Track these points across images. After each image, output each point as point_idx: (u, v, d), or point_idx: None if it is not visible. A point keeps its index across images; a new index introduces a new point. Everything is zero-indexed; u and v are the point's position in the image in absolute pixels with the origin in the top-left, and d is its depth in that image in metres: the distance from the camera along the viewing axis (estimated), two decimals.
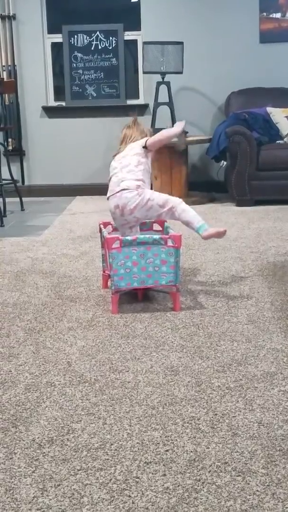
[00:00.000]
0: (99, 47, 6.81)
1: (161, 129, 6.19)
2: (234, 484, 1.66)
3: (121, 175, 3.29)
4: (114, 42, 6.78)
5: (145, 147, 3.35)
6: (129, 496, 1.62)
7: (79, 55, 6.82)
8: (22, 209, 5.99)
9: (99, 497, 1.62)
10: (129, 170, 3.29)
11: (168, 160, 5.98)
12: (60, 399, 2.16)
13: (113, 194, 3.29)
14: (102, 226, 3.43)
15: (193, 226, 3.24)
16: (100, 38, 6.79)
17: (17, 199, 6.00)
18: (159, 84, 6.23)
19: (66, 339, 2.71)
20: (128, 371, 2.38)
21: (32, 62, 6.76)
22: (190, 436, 1.90)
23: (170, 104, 6.24)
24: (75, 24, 6.80)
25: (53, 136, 6.85)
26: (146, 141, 3.37)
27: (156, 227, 3.50)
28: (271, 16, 6.52)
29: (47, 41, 6.82)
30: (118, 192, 3.25)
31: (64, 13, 6.88)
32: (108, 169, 3.45)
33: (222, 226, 4.91)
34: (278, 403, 2.09)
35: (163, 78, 6.22)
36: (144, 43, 6.23)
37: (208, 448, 1.83)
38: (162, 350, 2.56)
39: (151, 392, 2.20)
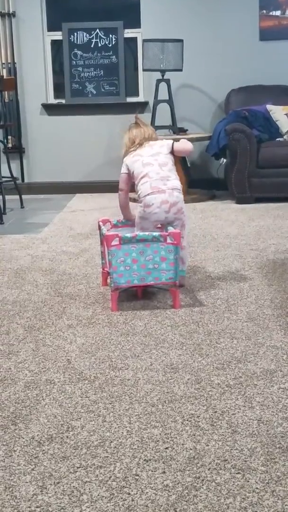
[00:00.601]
0: (99, 45, 6.79)
1: (161, 126, 6.21)
2: (233, 482, 1.66)
3: (164, 173, 3.22)
4: (114, 39, 6.77)
5: (171, 152, 3.33)
6: (129, 493, 1.62)
7: (79, 52, 6.81)
8: (22, 207, 5.99)
9: (98, 495, 1.62)
10: (170, 169, 3.26)
11: None
12: (60, 397, 2.16)
13: (161, 190, 3.18)
14: (101, 223, 3.42)
15: (182, 262, 3.25)
16: (100, 35, 6.78)
17: (17, 197, 5.99)
18: (159, 81, 6.22)
19: (66, 337, 2.71)
20: (127, 368, 2.37)
21: (32, 59, 6.75)
22: (189, 433, 1.90)
23: (170, 101, 6.24)
24: (75, 21, 6.79)
25: (53, 134, 6.84)
26: (173, 145, 3.34)
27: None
28: (271, 13, 6.51)
29: (47, 38, 6.81)
30: (169, 189, 3.19)
31: (64, 11, 6.86)
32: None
33: (222, 224, 4.92)
34: (278, 401, 2.09)
35: (163, 76, 6.21)
36: (144, 40, 6.22)
37: (207, 445, 1.83)
38: (162, 348, 2.56)
39: (151, 389, 2.20)
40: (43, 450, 1.84)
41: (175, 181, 3.23)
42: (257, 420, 1.97)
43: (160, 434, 1.90)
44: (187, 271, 3.62)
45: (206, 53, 6.56)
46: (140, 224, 3.26)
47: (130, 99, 6.83)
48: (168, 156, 3.31)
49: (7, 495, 1.63)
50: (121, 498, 1.60)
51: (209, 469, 1.71)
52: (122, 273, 3.02)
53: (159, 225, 3.32)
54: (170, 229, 3.18)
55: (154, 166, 3.24)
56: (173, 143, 3.35)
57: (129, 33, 6.78)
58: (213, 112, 6.70)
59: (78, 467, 1.74)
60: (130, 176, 3.33)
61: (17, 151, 6.82)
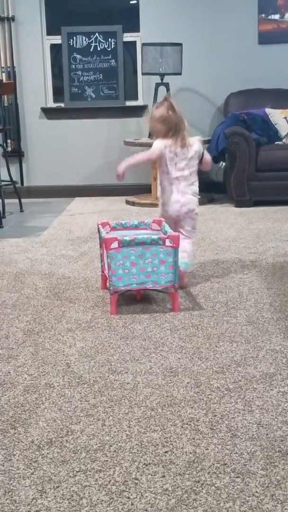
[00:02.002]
0: (98, 49, 6.80)
1: None
2: (233, 486, 1.65)
3: (192, 178, 3.43)
4: (113, 43, 6.78)
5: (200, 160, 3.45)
6: (128, 497, 1.62)
7: (78, 56, 6.82)
8: (21, 210, 5.99)
9: (98, 499, 1.62)
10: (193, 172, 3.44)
11: None
12: (59, 401, 2.16)
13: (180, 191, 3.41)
14: (100, 226, 3.42)
15: (188, 254, 3.43)
16: (99, 39, 6.79)
17: (16, 200, 5.99)
18: (158, 85, 6.23)
19: (65, 340, 2.71)
20: (127, 372, 2.37)
21: (31, 63, 6.75)
22: (189, 437, 1.90)
23: None
24: (74, 25, 6.80)
25: (52, 137, 6.85)
26: (203, 154, 3.44)
27: (153, 226, 3.50)
28: (269, 17, 6.52)
29: (46, 42, 6.82)
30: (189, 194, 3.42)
31: (63, 15, 6.88)
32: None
33: (221, 227, 4.92)
34: (277, 404, 2.09)
35: (162, 79, 6.22)
36: (143, 44, 6.24)
37: (207, 449, 1.83)
38: (161, 351, 2.56)
39: (150, 393, 2.19)
40: (43, 454, 1.83)
41: (193, 186, 3.44)
42: (256, 423, 1.97)
43: (159, 438, 1.90)
44: (186, 274, 3.62)
45: (205, 56, 6.58)
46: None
47: (129, 103, 6.84)
48: (197, 161, 3.44)
49: (6, 499, 1.63)
50: (121, 502, 1.60)
51: (208, 473, 1.71)
52: (121, 276, 3.02)
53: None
54: (169, 231, 3.18)
55: (186, 162, 3.39)
56: (203, 152, 3.45)
57: (128, 37, 6.79)
58: (212, 115, 6.71)
59: (77, 471, 1.74)
60: (158, 158, 3.39)
61: (17, 154, 6.82)
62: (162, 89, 6.20)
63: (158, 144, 3.38)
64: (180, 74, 6.20)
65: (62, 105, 6.88)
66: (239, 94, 6.45)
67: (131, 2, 6.80)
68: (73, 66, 6.83)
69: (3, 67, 6.69)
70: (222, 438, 1.89)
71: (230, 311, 3.02)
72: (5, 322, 2.96)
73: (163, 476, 1.70)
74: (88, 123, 6.81)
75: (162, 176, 3.43)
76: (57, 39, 6.81)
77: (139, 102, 6.85)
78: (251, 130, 5.89)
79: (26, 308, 3.14)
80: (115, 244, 2.99)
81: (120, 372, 2.37)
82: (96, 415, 2.05)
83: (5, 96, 6.50)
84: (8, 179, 5.91)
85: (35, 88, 6.79)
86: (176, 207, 3.40)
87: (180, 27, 6.50)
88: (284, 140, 6.03)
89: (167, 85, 6.19)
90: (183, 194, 3.40)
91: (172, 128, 3.37)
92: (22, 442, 1.90)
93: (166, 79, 6.21)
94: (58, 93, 6.92)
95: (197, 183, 3.46)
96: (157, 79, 6.26)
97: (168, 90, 6.16)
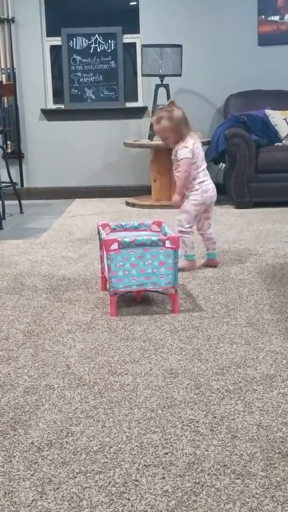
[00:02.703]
0: (98, 50, 6.81)
1: None
2: (233, 487, 1.65)
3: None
4: (113, 45, 6.78)
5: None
6: (128, 499, 1.62)
7: (78, 58, 6.82)
8: (21, 212, 5.99)
9: (98, 500, 1.62)
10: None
11: (167, 162, 5.97)
12: (59, 402, 2.16)
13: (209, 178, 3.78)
14: (100, 227, 3.43)
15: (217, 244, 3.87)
16: (99, 41, 6.79)
17: (16, 202, 6.00)
18: (157, 86, 6.24)
19: (65, 342, 2.71)
20: (127, 373, 2.37)
21: (31, 65, 6.76)
22: (189, 439, 1.90)
23: None
24: (74, 27, 6.81)
25: (52, 139, 6.85)
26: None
27: (153, 228, 3.50)
28: (269, 18, 6.53)
29: (46, 44, 6.82)
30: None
31: (63, 16, 6.88)
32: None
33: (221, 228, 4.92)
34: (277, 406, 2.09)
35: (162, 81, 6.23)
36: (143, 45, 6.24)
37: (207, 450, 1.83)
38: (161, 353, 2.56)
39: (150, 394, 2.19)
40: (43, 455, 1.83)
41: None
42: (256, 425, 1.97)
43: (159, 439, 1.90)
44: (185, 276, 3.62)
45: (205, 58, 6.58)
46: (197, 209, 3.75)
47: (129, 104, 6.85)
48: None
49: (6, 501, 1.63)
50: (121, 503, 1.60)
51: (208, 475, 1.71)
52: (121, 277, 3.02)
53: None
54: (169, 233, 3.18)
55: (201, 157, 3.72)
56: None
57: (128, 38, 6.80)
58: (212, 117, 6.72)
59: (77, 473, 1.74)
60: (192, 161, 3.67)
61: (16, 156, 6.83)
62: (162, 91, 6.21)
63: (186, 153, 3.63)
64: (180, 75, 6.21)
65: (62, 106, 6.89)
66: (239, 96, 6.45)
67: (131, 3, 6.80)
68: (73, 68, 6.84)
69: (3, 69, 6.70)
70: (222, 440, 1.89)
71: (230, 312, 3.02)
72: (5, 323, 2.96)
73: (163, 478, 1.70)
74: (88, 125, 6.81)
75: (196, 170, 3.69)
76: (57, 41, 6.82)
77: (139, 103, 6.85)
78: (251, 132, 5.89)
79: (26, 310, 3.14)
80: (115, 246, 2.99)
81: (120, 374, 2.37)
82: (96, 417, 2.05)
83: (5, 97, 6.51)
84: (8, 180, 5.92)
85: (35, 89, 6.80)
86: (214, 191, 3.78)
87: (180, 28, 6.51)
88: (284, 142, 6.04)
89: (167, 87, 6.20)
90: (211, 180, 3.80)
91: (183, 129, 3.63)
92: (22, 443, 1.90)
93: (166, 80, 6.21)
94: (58, 95, 6.93)
95: None
96: (157, 80, 6.27)
97: (168, 91, 6.17)
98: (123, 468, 1.76)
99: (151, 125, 3.67)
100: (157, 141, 5.58)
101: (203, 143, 6.21)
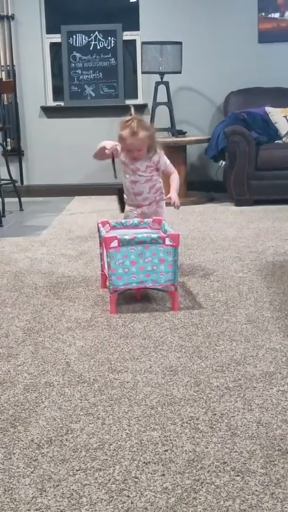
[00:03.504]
0: (98, 47, 6.81)
1: (160, 129, 6.23)
2: (233, 484, 1.65)
3: None
4: (112, 42, 6.78)
5: None
6: (128, 496, 1.62)
7: (78, 55, 6.82)
8: (21, 209, 5.99)
9: (98, 497, 1.62)
10: None
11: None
12: (59, 399, 2.16)
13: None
14: (100, 225, 3.42)
15: None
16: (98, 38, 6.79)
17: (16, 199, 5.99)
18: (157, 84, 6.23)
19: (65, 339, 2.71)
20: (127, 371, 2.37)
21: (31, 62, 6.76)
22: (189, 436, 1.90)
23: (168, 104, 6.25)
24: (74, 24, 6.80)
25: (52, 136, 6.85)
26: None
27: (153, 225, 3.50)
28: (269, 16, 6.52)
29: (45, 41, 6.82)
30: None
31: (62, 13, 6.88)
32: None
33: (221, 226, 4.92)
34: (277, 403, 2.09)
35: (161, 78, 6.22)
36: (143, 43, 6.23)
37: (207, 448, 1.83)
38: (161, 350, 2.56)
39: (150, 392, 2.20)
40: (43, 452, 1.83)
41: None
42: (256, 422, 1.97)
43: (159, 436, 1.90)
44: (185, 274, 3.62)
45: (205, 55, 6.58)
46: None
47: (129, 102, 6.84)
48: None
49: (6, 498, 1.63)
50: (121, 500, 1.60)
51: (208, 472, 1.71)
52: (120, 275, 3.02)
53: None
54: (169, 230, 3.18)
55: None
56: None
57: (128, 35, 6.79)
58: (212, 114, 6.71)
59: (77, 470, 1.74)
60: None
61: (16, 153, 6.83)
62: (162, 88, 6.20)
63: (166, 158, 3.53)
64: (180, 72, 6.20)
65: (62, 104, 6.88)
66: (239, 93, 6.45)
67: (131, 0, 6.79)
68: (73, 65, 6.83)
69: (3, 66, 6.70)
70: (222, 437, 1.89)
71: (230, 310, 3.02)
72: (5, 321, 2.96)
73: (163, 475, 1.70)
74: (88, 122, 6.81)
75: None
76: (56, 38, 6.81)
77: (139, 100, 6.85)
78: (251, 129, 5.89)
79: (26, 307, 3.14)
80: (115, 243, 2.99)
81: (120, 371, 2.37)
82: (96, 414, 2.05)
83: (5, 95, 6.50)
84: (8, 178, 5.91)
85: (35, 86, 6.80)
86: None
87: (180, 25, 6.50)
88: (284, 139, 6.03)
89: (167, 84, 6.20)
90: None
91: (155, 140, 3.50)
92: (22, 440, 1.91)
93: (166, 77, 6.21)
94: (57, 92, 6.93)
95: None
96: (157, 77, 6.26)
97: (168, 88, 6.16)
98: (123, 465, 1.76)
99: (121, 139, 3.44)
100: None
101: (203, 141, 6.28)
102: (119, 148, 3.46)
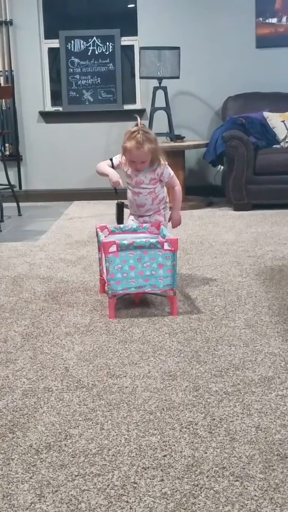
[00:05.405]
0: (96, 52, 6.82)
1: (158, 134, 6.25)
2: (232, 489, 1.65)
3: None
4: (111, 47, 6.79)
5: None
6: (127, 501, 1.62)
7: (76, 60, 6.83)
8: (20, 214, 5.99)
9: (96, 503, 1.61)
10: None
11: None
12: (58, 405, 2.16)
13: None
14: (99, 229, 3.42)
15: None
16: (97, 43, 6.80)
17: (14, 204, 6.00)
18: (156, 89, 6.24)
19: (64, 344, 2.70)
20: (125, 376, 2.37)
21: (29, 67, 6.76)
22: (188, 441, 1.90)
23: (167, 109, 6.26)
24: (72, 29, 6.81)
25: (50, 141, 6.85)
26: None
27: (152, 230, 3.50)
28: (267, 21, 6.54)
29: (44, 46, 6.83)
30: None
31: (61, 19, 6.89)
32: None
33: (220, 230, 4.92)
34: (276, 408, 2.09)
35: (160, 83, 6.23)
36: (141, 48, 6.25)
37: (206, 453, 1.83)
38: (160, 355, 2.56)
39: (149, 397, 2.19)
40: (41, 458, 1.83)
41: None
42: (255, 427, 1.97)
43: (158, 441, 1.90)
44: (184, 278, 3.62)
45: (203, 60, 6.59)
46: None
47: (127, 107, 6.85)
48: None
49: (5, 503, 1.63)
50: (120, 506, 1.60)
51: (207, 477, 1.71)
52: (119, 280, 3.02)
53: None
54: (167, 235, 3.18)
55: None
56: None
57: (126, 40, 6.80)
58: (210, 119, 6.72)
59: (76, 475, 1.74)
60: None
61: (15, 158, 6.83)
62: (160, 93, 6.21)
63: (170, 169, 3.47)
64: (178, 77, 6.21)
65: (60, 109, 6.89)
66: (237, 98, 6.46)
67: (129, 6, 6.81)
68: (71, 70, 6.84)
69: (1, 71, 6.70)
70: (221, 442, 1.89)
71: (229, 314, 3.02)
72: (4, 326, 2.96)
73: (162, 480, 1.70)
74: (86, 127, 6.81)
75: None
76: (55, 43, 6.82)
77: (137, 105, 6.86)
78: (249, 134, 5.90)
79: (25, 312, 3.14)
80: (113, 248, 2.99)
81: (118, 376, 2.37)
82: (95, 419, 2.05)
83: (3, 100, 6.51)
84: (6, 182, 5.92)
85: (33, 92, 6.80)
86: None
87: (178, 31, 6.52)
88: (282, 144, 6.04)
89: (165, 89, 6.21)
90: None
91: (160, 152, 3.43)
92: (21, 446, 1.90)
93: (164, 82, 6.22)
94: (56, 97, 6.93)
95: None
96: (155, 82, 6.27)
97: (166, 93, 6.17)
98: (122, 470, 1.76)
99: (125, 150, 3.38)
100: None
101: (202, 145, 6.29)
102: (122, 160, 3.44)
